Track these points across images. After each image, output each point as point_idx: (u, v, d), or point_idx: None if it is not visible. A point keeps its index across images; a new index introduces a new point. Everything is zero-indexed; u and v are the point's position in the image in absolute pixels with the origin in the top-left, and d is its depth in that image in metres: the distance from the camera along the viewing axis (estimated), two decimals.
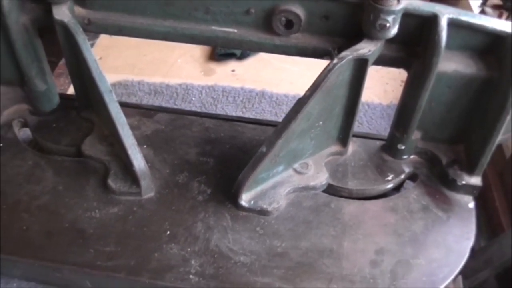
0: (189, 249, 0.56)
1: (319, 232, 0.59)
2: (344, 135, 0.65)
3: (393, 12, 0.51)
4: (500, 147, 0.82)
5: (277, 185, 0.62)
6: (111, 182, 0.61)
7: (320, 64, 0.56)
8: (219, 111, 1.01)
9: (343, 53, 0.54)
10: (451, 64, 0.56)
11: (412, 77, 0.58)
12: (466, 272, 0.63)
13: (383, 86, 1.07)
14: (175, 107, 1.00)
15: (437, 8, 0.53)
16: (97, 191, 0.62)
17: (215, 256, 0.56)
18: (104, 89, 0.59)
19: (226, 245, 0.57)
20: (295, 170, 0.63)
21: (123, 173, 0.62)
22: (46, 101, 0.70)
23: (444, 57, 0.55)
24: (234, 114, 0.99)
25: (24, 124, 0.70)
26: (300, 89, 0.56)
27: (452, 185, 0.63)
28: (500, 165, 0.82)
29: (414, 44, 0.56)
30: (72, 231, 0.58)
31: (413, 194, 0.63)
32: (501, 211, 0.78)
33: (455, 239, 0.59)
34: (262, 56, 1.14)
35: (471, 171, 0.62)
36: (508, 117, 0.55)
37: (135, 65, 1.13)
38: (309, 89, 0.55)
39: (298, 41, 0.58)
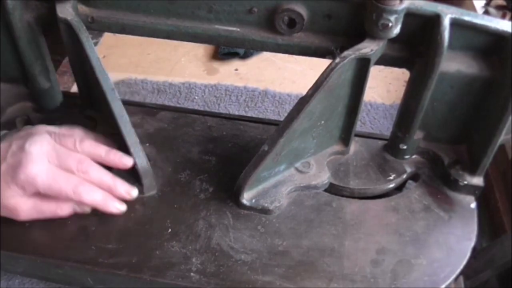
0: (190, 247, 0.56)
1: (320, 231, 0.59)
2: (346, 135, 0.65)
3: (395, 12, 0.51)
4: (502, 147, 0.82)
5: (278, 184, 0.62)
6: None
7: (323, 64, 0.56)
8: (222, 110, 1.01)
9: (346, 53, 0.54)
10: (453, 64, 0.56)
11: (415, 77, 0.58)
12: (467, 273, 0.63)
13: (386, 86, 1.07)
14: (178, 105, 1.01)
15: (440, 8, 0.53)
16: None
17: (216, 254, 0.56)
18: (107, 87, 0.59)
19: (227, 243, 0.57)
20: (296, 169, 0.63)
21: (126, 171, 0.62)
22: (50, 99, 0.70)
23: (447, 57, 0.55)
24: (237, 113, 0.99)
25: (28, 122, 0.71)
26: (303, 88, 0.56)
27: (454, 185, 0.63)
28: (503, 166, 0.82)
29: (417, 44, 0.56)
30: (74, 228, 0.58)
31: (414, 194, 0.63)
32: (503, 212, 0.78)
33: (456, 239, 0.59)
34: (265, 55, 1.14)
35: (473, 172, 0.62)
36: (510, 118, 0.55)
37: (139, 64, 1.13)
38: (311, 88, 0.55)
39: (300, 40, 0.59)
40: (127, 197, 0.58)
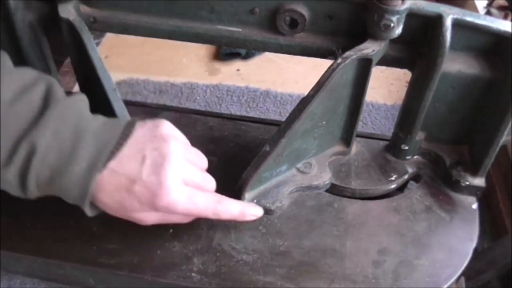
0: (191, 247, 0.56)
1: (322, 231, 0.59)
2: (347, 135, 0.65)
3: (397, 12, 0.51)
4: (504, 148, 0.82)
5: (280, 184, 0.62)
6: None
7: (325, 64, 0.56)
8: (224, 110, 1.01)
9: (347, 53, 0.54)
10: (455, 64, 0.56)
11: (416, 78, 0.58)
12: (469, 273, 0.63)
13: (387, 86, 1.07)
14: (180, 106, 1.01)
15: (442, 8, 0.53)
16: None
17: (218, 254, 0.56)
18: (109, 87, 0.59)
19: (228, 244, 0.57)
20: (298, 170, 0.63)
21: None
22: None
23: (449, 57, 0.55)
24: (238, 113, 0.99)
25: None
26: (305, 89, 0.56)
27: (455, 186, 0.63)
28: (504, 167, 0.82)
29: (419, 44, 0.56)
30: (76, 228, 0.58)
31: (416, 194, 0.63)
32: (505, 213, 0.78)
33: (458, 240, 0.58)
34: (267, 55, 1.14)
35: (474, 172, 0.62)
36: None
37: (141, 64, 1.13)
38: (312, 89, 0.55)
39: (302, 41, 0.59)
40: (254, 218, 0.56)
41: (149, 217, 0.51)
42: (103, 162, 0.47)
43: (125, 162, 0.48)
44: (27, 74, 0.49)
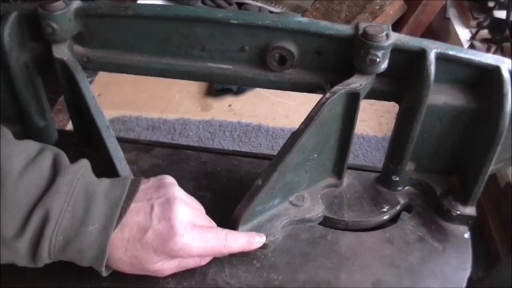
0: (185, 283, 0.56)
1: (316, 264, 0.59)
2: (339, 168, 0.66)
3: (382, 48, 0.53)
4: (494, 176, 0.83)
5: (273, 218, 0.62)
6: None
7: (315, 98, 0.57)
8: (216, 145, 1.02)
9: (335, 88, 0.55)
10: (441, 96, 0.58)
11: (404, 110, 0.60)
12: None
13: (377, 119, 1.09)
14: (173, 142, 1.01)
15: (425, 43, 0.55)
16: None
17: None
18: (102, 125, 0.60)
19: (223, 279, 0.57)
20: (291, 203, 0.63)
21: None
22: (45, 137, 0.70)
23: (434, 90, 0.56)
24: (231, 148, 1.00)
25: None
26: (296, 123, 0.57)
27: (447, 215, 0.63)
28: (495, 195, 0.83)
29: (404, 78, 0.58)
30: (69, 267, 0.57)
31: (408, 225, 0.63)
32: (498, 240, 0.78)
33: (451, 269, 0.59)
34: (259, 91, 1.16)
35: (465, 201, 0.63)
36: (499, 148, 0.56)
37: (134, 101, 1.15)
38: (303, 123, 0.56)
39: (291, 77, 0.60)
40: (260, 245, 0.58)
41: (166, 267, 0.52)
42: (117, 219, 0.48)
43: (134, 215, 0.50)
44: (31, 145, 0.51)
